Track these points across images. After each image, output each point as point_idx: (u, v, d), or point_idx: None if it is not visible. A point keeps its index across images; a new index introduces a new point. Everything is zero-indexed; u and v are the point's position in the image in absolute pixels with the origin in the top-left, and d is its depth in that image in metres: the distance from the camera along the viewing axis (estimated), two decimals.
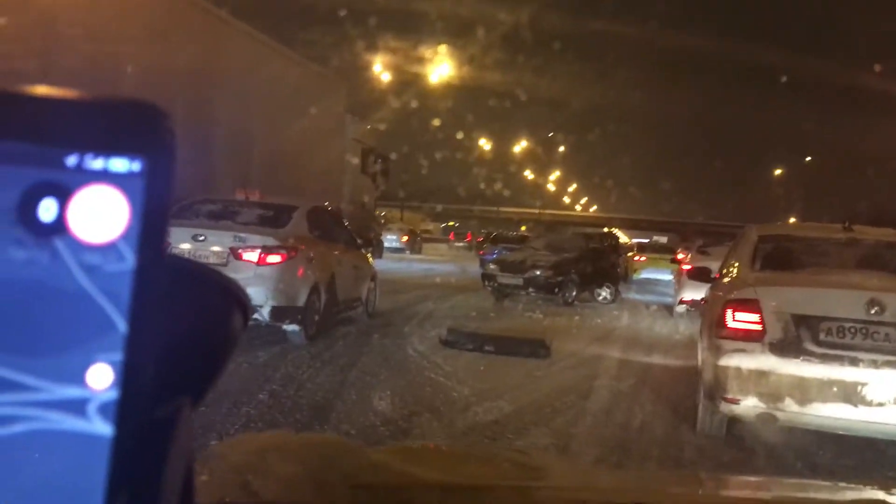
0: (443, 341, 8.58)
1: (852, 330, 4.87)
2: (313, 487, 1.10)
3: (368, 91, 21.78)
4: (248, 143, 13.25)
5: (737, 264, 5.90)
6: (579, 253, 16.26)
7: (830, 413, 4.81)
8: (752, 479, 2.89)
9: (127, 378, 0.35)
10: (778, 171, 63.19)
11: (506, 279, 15.12)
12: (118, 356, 0.35)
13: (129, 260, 0.35)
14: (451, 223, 57.78)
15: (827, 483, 2.07)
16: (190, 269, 0.49)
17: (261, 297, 7.67)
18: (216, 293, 0.50)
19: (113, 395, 0.35)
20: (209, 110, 11.96)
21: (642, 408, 6.41)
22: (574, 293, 15.42)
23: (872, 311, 4.81)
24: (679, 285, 14.06)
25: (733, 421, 5.38)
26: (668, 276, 21.24)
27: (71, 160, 0.35)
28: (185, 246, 7.89)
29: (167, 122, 0.37)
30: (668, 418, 6.12)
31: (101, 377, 0.35)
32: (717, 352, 5.11)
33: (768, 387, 4.92)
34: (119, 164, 0.36)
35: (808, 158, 61.47)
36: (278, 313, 7.91)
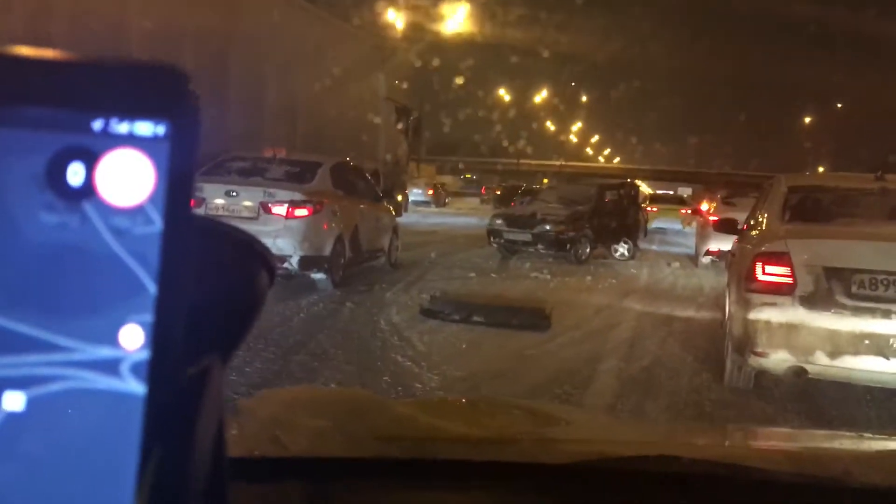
0: (424, 311, 7.47)
1: (885, 282, 4.79)
2: (340, 440, 1.11)
3: (390, 49, 21.70)
4: (293, 103, 13.91)
5: (766, 216, 5.82)
6: (594, 205, 14.92)
7: (862, 366, 4.77)
8: (779, 430, 2.86)
9: (157, 338, 0.36)
10: (808, 120, 61.49)
11: (513, 235, 13.94)
12: (149, 317, 0.36)
13: (157, 223, 0.36)
14: (468, 175, 57.45)
15: (853, 434, 2.06)
16: (216, 229, 0.49)
17: (289, 247, 8.22)
18: (242, 252, 0.51)
19: (144, 355, 0.36)
20: (259, 74, 12.60)
21: (655, 402, 5.20)
22: (588, 250, 14.12)
23: None
24: (704, 236, 14.07)
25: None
26: (678, 226, 23.84)
27: (97, 124, 0.36)
28: (220, 201, 8.49)
29: (190, 85, 0.37)
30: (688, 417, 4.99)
31: (132, 338, 0.36)
32: (747, 305, 5.06)
33: (799, 340, 4.87)
34: (144, 128, 0.37)
35: (839, 105, 59.43)
36: (306, 262, 8.46)
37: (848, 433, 2.22)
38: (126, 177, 0.36)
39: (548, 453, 1.14)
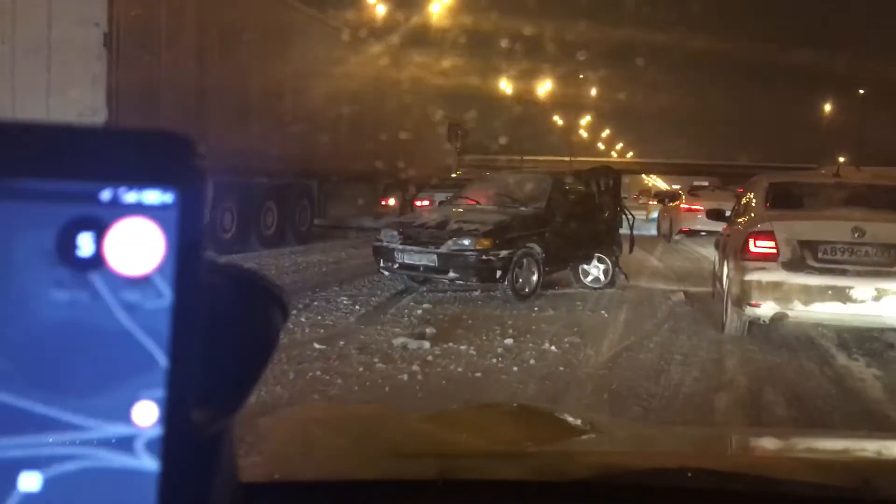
0: None
1: (842, 249, 6.49)
2: (357, 459, 1.11)
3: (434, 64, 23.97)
4: (393, 132, 17.64)
5: (753, 204, 7.58)
6: (547, 206, 9.13)
7: (827, 310, 6.40)
8: (803, 436, 2.60)
9: (170, 414, 0.36)
10: (828, 107, 59.24)
11: (410, 256, 8.49)
12: (161, 392, 0.36)
13: (167, 294, 0.36)
14: (458, 171, 56.47)
15: (871, 437, 2.09)
16: (225, 273, 0.47)
17: None
18: (254, 293, 0.49)
19: (158, 431, 0.36)
20: (373, 112, 16.93)
21: None
22: (535, 277, 8.62)
23: (856, 235, 6.41)
24: (677, 219, 18.19)
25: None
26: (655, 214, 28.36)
27: (105, 194, 0.36)
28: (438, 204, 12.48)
29: (198, 152, 0.37)
30: None
31: (145, 414, 0.36)
32: (743, 270, 6.73)
33: (782, 293, 6.44)
34: (152, 197, 0.36)
35: (861, 91, 56.54)
36: None
37: (867, 436, 2.28)
38: (135, 246, 0.36)
39: (568, 468, 1.13)
